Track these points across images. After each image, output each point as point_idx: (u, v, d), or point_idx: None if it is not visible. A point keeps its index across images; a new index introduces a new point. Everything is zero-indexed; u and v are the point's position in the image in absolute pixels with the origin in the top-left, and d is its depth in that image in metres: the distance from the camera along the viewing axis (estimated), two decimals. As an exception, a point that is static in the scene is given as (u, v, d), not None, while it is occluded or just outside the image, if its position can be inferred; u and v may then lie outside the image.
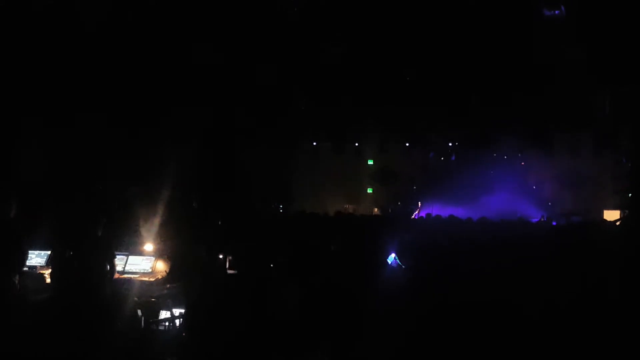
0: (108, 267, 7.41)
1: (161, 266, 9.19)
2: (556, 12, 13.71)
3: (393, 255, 7.98)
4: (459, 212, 16.45)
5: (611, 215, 19.44)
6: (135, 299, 7.88)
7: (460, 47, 15.37)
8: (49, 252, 8.96)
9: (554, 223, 17.25)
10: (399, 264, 7.93)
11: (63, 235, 7.84)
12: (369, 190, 26.94)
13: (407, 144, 25.45)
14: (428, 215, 17.63)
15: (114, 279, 7.80)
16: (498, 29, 14.46)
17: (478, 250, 7.57)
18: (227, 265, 8.41)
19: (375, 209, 25.18)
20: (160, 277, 8.88)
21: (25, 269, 7.82)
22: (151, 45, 14.15)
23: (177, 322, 8.01)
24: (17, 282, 6.82)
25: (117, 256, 8.22)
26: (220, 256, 8.50)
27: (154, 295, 8.26)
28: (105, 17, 13.05)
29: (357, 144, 25.42)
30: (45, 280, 8.12)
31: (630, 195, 20.74)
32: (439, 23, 14.43)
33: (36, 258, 9.06)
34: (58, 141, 14.10)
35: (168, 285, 8.59)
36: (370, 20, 14.46)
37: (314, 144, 25.30)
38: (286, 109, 19.52)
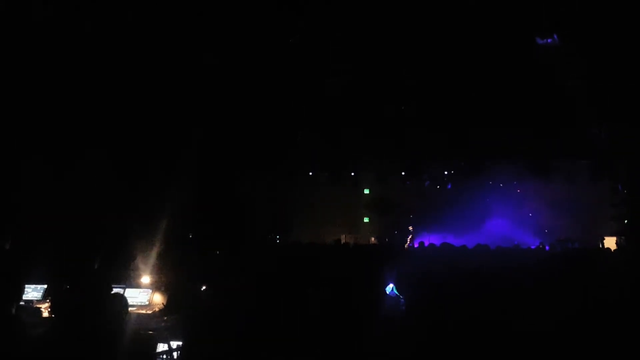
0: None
1: (158, 298, 9.17)
2: (549, 40, 13.83)
3: (391, 285, 7.97)
4: (456, 240, 16.47)
5: (608, 242, 19.51)
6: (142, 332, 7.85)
7: (455, 76, 15.48)
8: (45, 286, 8.96)
9: (547, 248, 17.29)
10: (397, 294, 7.93)
11: (59, 269, 7.83)
12: (366, 220, 26.94)
13: (403, 173, 25.50)
14: (421, 244, 17.63)
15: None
16: (494, 58, 14.56)
17: (474, 278, 7.57)
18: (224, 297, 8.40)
19: (372, 239, 25.17)
20: (157, 309, 8.85)
21: (22, 303, 7.79)
22: (147, 80, 14.21)
23: (175, 354, 7.97)
24: (13, 315, 6.78)
25: (115, 289, 8.19)
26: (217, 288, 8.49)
27: (151, 328, 8.23)
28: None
29: (353, 174, 25.47)
30: (42, 315, 8.09)
31: (626, 222, 20.81)
32: (433, 54, 14.54)
33: (32, 292, 9.03)
34: (55, 175, 14.13)
35: (165, 318, 8.56)
36: (367, 52, 14.56)
37: (310, 174, 25.34)
38: (283, 139, 19.59)
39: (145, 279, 9.69)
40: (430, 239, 20.56)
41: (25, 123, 13.23)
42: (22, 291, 7.19)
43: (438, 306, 6.23)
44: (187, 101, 15.14)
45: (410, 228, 24.13)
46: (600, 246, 18.62)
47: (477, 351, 5.59)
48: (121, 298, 6.64)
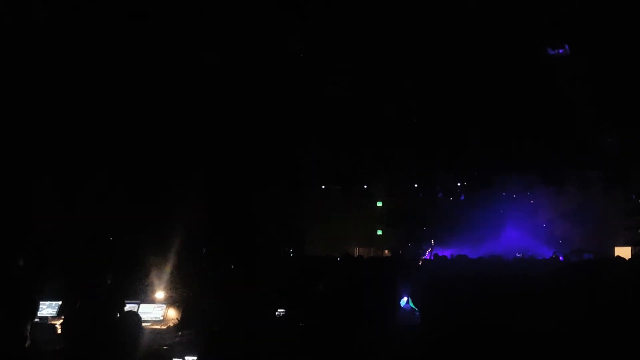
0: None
1: (173, 314, 9.18)
2: (561, 51, 13.79)
3: (406, 298, 7.95)
4: (469, 251, 16.42)
5: (622, 251, 19.38)
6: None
7: (469, 86, 15.45)
8: (60, 303, 8.98)
9: (560, 258, 17.20)
10: (412, 307, 7.91)
11: (74, 285, 7.85)
12: (379, 232, 26.90)
13: (416, 185, 25.47)
14: (435, 255, 17.59)
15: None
16: (507, 68, 14.53)
17: (489, 289, 7.52)
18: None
19: (386, 251, 25.13)
20: (172, 324, 8.86)
21: (37, 319, 7.80)
22: (156, 94, 14.26)
23: (189, 370, 7.96)
24: (28, 333, 6.79)
25: (129, 304, 8.21)
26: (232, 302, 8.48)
27: (165, 343, 8.22)
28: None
29: (365, 186, 25.45)
30: (56, 331, 8.10)
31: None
32: (447, 64, 14.52)
33: (47, 309, 9.06)
34: (68, 192, 14.20)
35: (180, 333, 8.55)
36: (379, 63, 14.55)
37: (323, 187, 25.34)
38: (295, 153, 19.60)
39: (160, 294, 9.69)
40: (444, 251, 20.51)
41: (36, 139, 13.32)
42: (37, 308, 7.21)
43: (453, 318, 6.20)
44: (199, 116, 15.18)
45: (432, 242, 24.11)
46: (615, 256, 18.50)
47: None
48: (134, 315, 6.64)
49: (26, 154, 13.11)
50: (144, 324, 8.82)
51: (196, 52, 13.09)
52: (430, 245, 24.14)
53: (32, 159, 13.30)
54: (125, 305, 7.86)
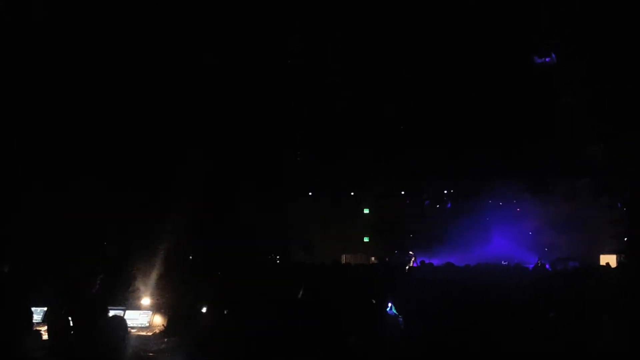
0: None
1: (159, 320, 9.16)
2: (547, 59, 13.87)
3: (390, 304, 7.98)
4: (456, 259, 16.47)
5: (607, 259, 19.49)
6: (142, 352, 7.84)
7: (455, 93, 15.51)
8: (45, 309, 8.95)
9: (547, 267, 17.29)
10: (395, 313, 7.94)
11: (59, 291, 7.83)
12: (366, 239, 26.93)
13: (403, 193, 25.53)
14: (422, 262, 17.63)
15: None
16: (492, 76, 14.60)
17: (475, 297, 7.58)
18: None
19: (373, 258, 25.14)
20: (157, 331, 8.84)
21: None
22: (146, 102, 14.25)
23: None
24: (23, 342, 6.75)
25: (114, 311, 8.19)
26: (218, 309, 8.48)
27: (151, 349, 8.21)
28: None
29: (352, 194, 25.49)
30: (42, 338, 8.07)
31: (626, 239, 20.81)
32: (431, 71, 14.59)
33: (33, 315, 9.02)
34: (55, 199, 14.14)
35: (166, 340, 8.54)
36: (366, 71, 14.60)
37: (310, 194, 25.36)
38: (283, 160, 19.63)
39: (146, 300, 9.67)
40: (431, 258, 20.55)
41: (21, 141, 13.25)
42: (31, 317, 7.19)
43: (437, 325, 6.25)
44: (185, 122, 15.17)
45: (411, 253, 24.15)
46: (601, 264, 18.60)
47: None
48: (120, 320, 6.64)
49: (6, 158, 13.04)
50: (130, 330, 8.86)
51: (181, 59, 13.12)
52: (415, 254, 24.17)
53: (14, 162, 13.23)
54: (108, 312, 7.83)
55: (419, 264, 19.30)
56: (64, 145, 14.03)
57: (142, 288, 9.86)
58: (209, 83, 14.19)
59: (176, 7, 11.54)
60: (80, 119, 13.82)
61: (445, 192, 25.70)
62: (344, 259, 23.12)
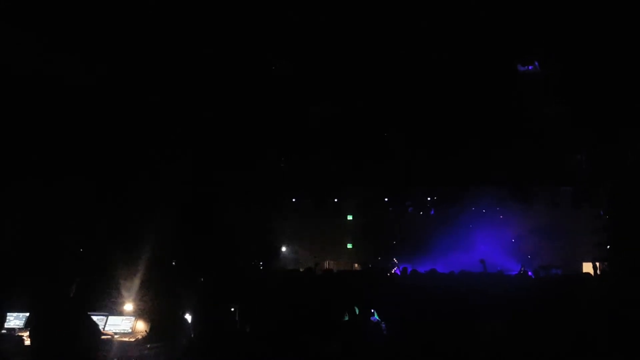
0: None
1: (141, 326, 9.12)
2: (530, 67, 13.97)
3: (372, 311, 7.98)
4: (439, 265, 16.48)
5: (590, 267, 19.58)
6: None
7: (437, 103, 15.58)
8: (27, 314, 8.89)
9: (530, 274, 17.34)
10: (377, 320, 7.95)
11: (41, 297, 7.76)
12: (349, 246, 26.94)
13: (386, 199, 25.57)
14: (404, 269, 17.62)
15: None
16: (476, 84, 14.67)
17: (458, 304, 7.59)
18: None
19: (356, 265, 25.16)
20: (140, 337, 8.80)
21: (4, 331, 7.71)
22: (131, 106, 14.21)
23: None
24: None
25: (96, 317, 8.14)
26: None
27: (134, 355, 8.18)
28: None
29: (336, 200, 25.51)
30: (24, 343, 8.01)
31: (608, 247, 20.93)
32: (418, 81, 14.64)
33: (14, 320, 8.97)
34: (35, 202, 14.03)
35: (149, 346, 8.50)
36: (351, 80, 14.64)
37: (294, 200, 25.36)
38: (266, 166, 19.61)
39: (129, 306, 9.62)
40: (415, 265, 20.55)
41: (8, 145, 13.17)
42: (3, 319, 7.13)
43: (419, 331, 6.26)
44: (168, 127, 15.14)
45: (395, 260, 24.15)
46: (583, 272, 18.68)
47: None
48: (95, 325, 6.61)
49: None
50: (116, 337, 8.81)
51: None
52: (399, 261, 24.17)
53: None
54: (86, 317, 7.78)
55: (400, 270, 19.31)
56: (44, 147, 13.92)
57: (124, 294, 9.80)
58: (191, 86, 14.19)
59: (158, 7, 11.55)
60: (60, 122, 13.74)
61: (429, 199, 25.76)
62: (327, 265, 23.11)
